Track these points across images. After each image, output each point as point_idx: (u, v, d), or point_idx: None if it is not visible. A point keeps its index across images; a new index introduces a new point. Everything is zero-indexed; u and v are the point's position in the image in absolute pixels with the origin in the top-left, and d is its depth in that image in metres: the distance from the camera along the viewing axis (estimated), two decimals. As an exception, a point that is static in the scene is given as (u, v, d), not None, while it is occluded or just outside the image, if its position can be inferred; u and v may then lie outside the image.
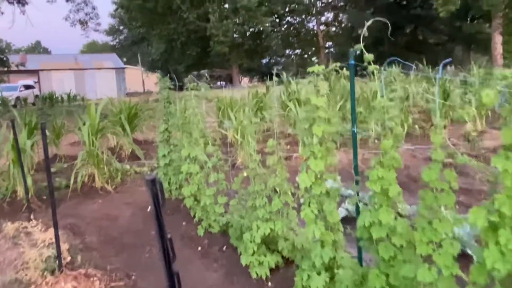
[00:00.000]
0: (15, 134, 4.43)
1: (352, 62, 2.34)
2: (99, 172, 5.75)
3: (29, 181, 5.03)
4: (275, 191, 3.11)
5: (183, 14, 38.50)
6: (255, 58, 45.18)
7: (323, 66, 2.47)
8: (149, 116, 9.46)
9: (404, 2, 39.31)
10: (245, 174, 3.34)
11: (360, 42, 2.17)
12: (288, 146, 7.51)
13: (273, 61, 56.44)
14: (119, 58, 51.24)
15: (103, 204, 5.19)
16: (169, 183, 4.88)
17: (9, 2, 21.60)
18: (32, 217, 4.46)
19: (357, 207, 2.47)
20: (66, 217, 4.57)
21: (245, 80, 57.17)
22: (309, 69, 2.53)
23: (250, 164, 3.23)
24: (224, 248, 3.57)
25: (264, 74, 48.34)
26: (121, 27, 66.88)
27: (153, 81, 53.41)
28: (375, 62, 2.48)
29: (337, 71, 2.71)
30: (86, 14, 25.63)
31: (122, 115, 7.72)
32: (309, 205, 2.59)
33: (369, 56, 2.19)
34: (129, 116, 8.03)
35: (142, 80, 52.19)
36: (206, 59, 43.66)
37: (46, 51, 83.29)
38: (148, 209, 4.84)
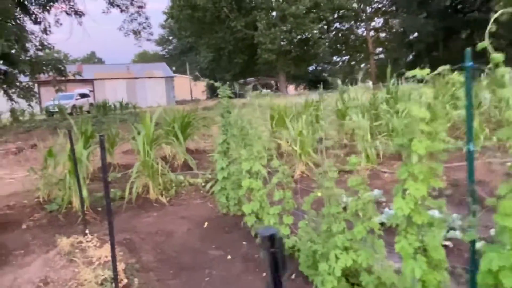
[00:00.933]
0: (72, 144, 4.30)
1: (471, 64, 1.89)
2: (154, 183, 5.55)
3: (85, 192, 4.90)
4: (356, 215, 2.69)
5: (231, 23, 38.83)
6: (302, 66, 44.66)
7: (427, 70, 2.05)
8: (202, 125, 9.27)
9: (460, 6, 37.43)
10: (319, 194, 2.94)
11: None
12: (348, 158, 6.99)
13: (320, 68, 55.75)
14: (168, 67, 52.59)
15: (158, 217, 4.96)
16: (227, 198, 4.57)
17: (67, 14, 22.57)
18: (87, 231, 4.29)
19: (473, 243, 2.00)
20: (121, 231, 4.36)
21: (291, 88, 56.67)
22: (409, 73, 2.11)
23: (325, 182, 2.83)
24: (293, 276, 3.17)
25: (311, 82, 47.85)
26: (170, 37, 68.98)
27: (200, 89, 54.45)
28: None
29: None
30: (139, 24, 26.48)
31: (175, 124, 7.55)
32: (405, 237, 2.17)
33: (498, 56, 1.74)
34: (182, 125, 7.87)
35: (190, 88, 53.25)
36: (253, 67, 43.77)
37: (100, 61, 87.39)
38: (205, 225, 4.55)
